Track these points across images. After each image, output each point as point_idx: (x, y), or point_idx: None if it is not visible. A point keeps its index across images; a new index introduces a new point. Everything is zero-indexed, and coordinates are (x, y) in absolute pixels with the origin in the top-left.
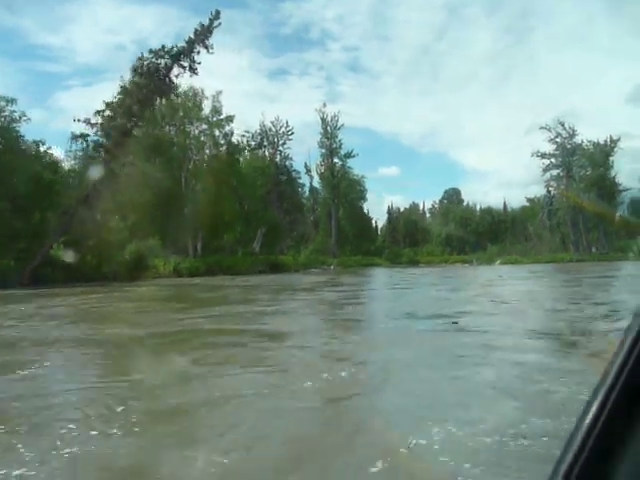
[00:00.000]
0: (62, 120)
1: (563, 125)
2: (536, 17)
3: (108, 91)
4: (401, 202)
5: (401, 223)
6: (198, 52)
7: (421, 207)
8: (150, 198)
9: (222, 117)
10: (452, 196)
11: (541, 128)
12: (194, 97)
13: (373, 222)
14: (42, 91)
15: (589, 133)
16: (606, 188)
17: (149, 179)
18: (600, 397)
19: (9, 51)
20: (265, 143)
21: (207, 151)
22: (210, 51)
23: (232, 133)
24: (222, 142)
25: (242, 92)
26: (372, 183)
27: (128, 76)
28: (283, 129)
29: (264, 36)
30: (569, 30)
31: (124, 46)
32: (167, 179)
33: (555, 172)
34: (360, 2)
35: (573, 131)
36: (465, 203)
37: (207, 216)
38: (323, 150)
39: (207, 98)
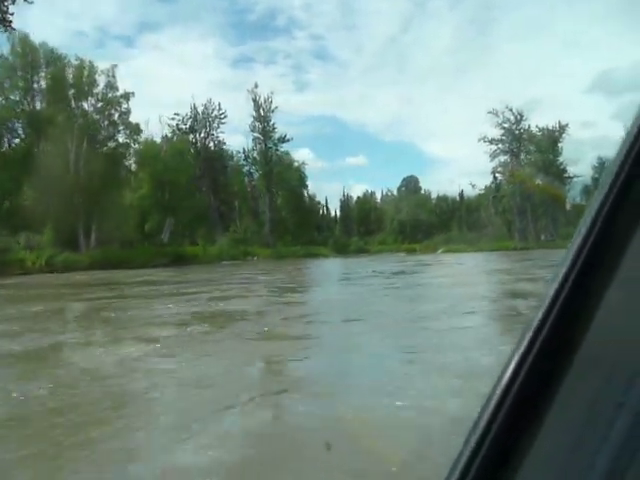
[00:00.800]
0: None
1: (511, 110)
2: (498, 9)
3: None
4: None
5: (354, 212)
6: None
7: (378, 195)
8: (37, 183)
9: (118, 94)
10: (410, 184)
11: (489, 113)
12: (85, 70)
13: (325, 211)
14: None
15: (550, 123)
16: (553, 175)
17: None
18: (495, 399)
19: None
20: (197, 127)
21: (103, 132)
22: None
23: (129, 112)
24: (118, 122)
25: (207, 81)
26: (340, 172)
27: None
28: (215, 112)
29: (229, 24)
30: (530, 21)
31: (84, 32)
32: (53, 162)
33: (503, 158)
34: None
35: (521, 116)
36: (423, 191)
37: (99, 204)
38: (255, 134)
39: (102, 74)
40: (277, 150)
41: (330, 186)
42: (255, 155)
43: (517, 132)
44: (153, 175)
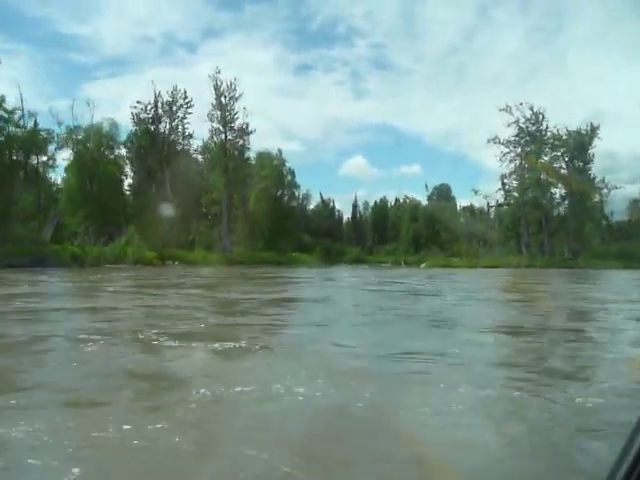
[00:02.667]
0: (87, 110)
1: (532, 109)
2: (565, 16)
3: (133, 83)
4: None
5: (368, 219)
6: None
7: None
8: None
9: None
10: (442, 192)
11: (501, 110)
12: None
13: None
14: (69, 81)
15: (616, 134)
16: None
17: None
18: None
19: (39, 40)
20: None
21: None
22: None
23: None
24: None
25: (267, 87)
26: (393, 181)
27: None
28: (181, 101)
29: (290, 31)
30: (597, 29)
31: (152, 38)
32: None
33: (517, 162)
34: None
35: (542, 115)
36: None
37: None
38: (214, 124)
39: None
40: (239, 143)
41: (382, 194)
42: (213, 147)
43: (537, 133)
44: (78, 166)
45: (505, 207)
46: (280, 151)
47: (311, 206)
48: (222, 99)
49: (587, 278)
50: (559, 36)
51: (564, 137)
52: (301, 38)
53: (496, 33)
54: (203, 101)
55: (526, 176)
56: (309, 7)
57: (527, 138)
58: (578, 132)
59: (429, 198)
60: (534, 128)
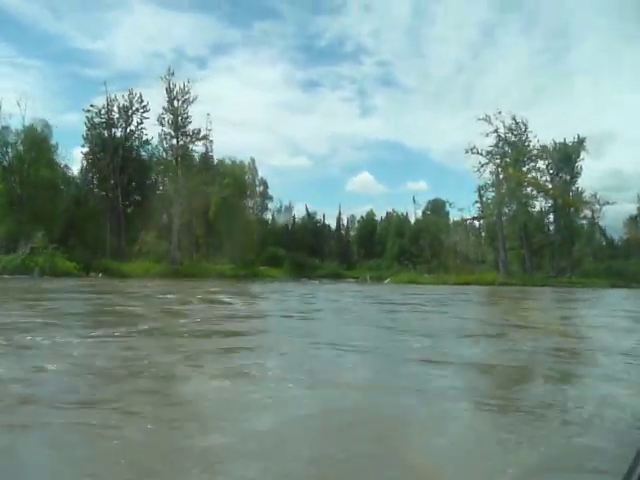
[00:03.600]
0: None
1: (514, 119)
2: (571, 38)
3: (144, 97)
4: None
5: (354, 234)
6: None
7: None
8: None
9: None
10: (436, 207)
11: (479, 120)
12: None
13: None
14: (81, 95)
15: (623, 153)
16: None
17: None
18: None
19: (51, 55)
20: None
21: None
22: None
23: None
24: None
25: (275, 103)
26: (400, 197)
27: None
28: (137, 105)
29: (298, 48)
30: (605, 49)
31: (162, 54)
32: None
33: (493, 173)
34: (397, 18)
35: (524, 125)
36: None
37: None
38: (165, 129)
39: None
40: (191, 148)
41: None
42: (163, 153)
43: (519, 144)
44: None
45: (481, 221)
46: (253, 160)
47: (295, 219)
48: (175, 102)
49: (557, 298)
50: (565, 56)
51: (550, 149)
52: (309, 55)
53: (501, 53)
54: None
55: (504, 188)
56: (317, 25)
57: (506, 148)
58: (564, 144)
59: (423, 213)
60: (516, 139)
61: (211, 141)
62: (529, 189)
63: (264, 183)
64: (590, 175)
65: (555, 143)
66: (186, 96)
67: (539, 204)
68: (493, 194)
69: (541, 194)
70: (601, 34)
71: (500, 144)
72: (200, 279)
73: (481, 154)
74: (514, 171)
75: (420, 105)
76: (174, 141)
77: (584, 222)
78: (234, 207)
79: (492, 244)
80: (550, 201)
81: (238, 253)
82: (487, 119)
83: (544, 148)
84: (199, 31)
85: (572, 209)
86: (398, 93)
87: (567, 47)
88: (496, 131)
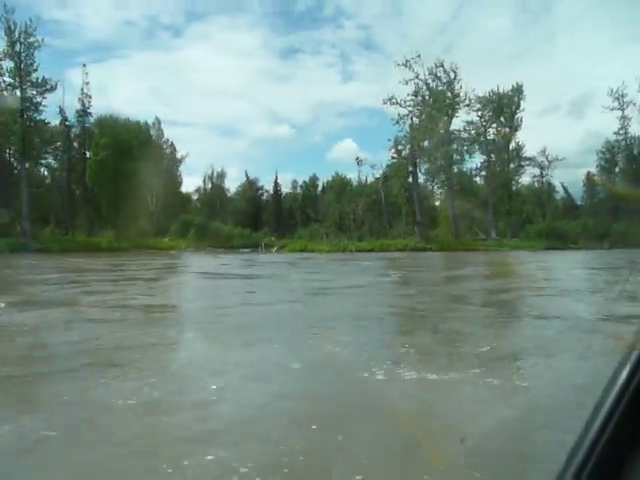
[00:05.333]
0: (73, 97)
1: (442, 65)
2: None
3: (118, 68)
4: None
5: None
6: None
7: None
8: None
9: None
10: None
11: (399, 66)
12: None
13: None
14: (53, 68)
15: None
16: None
17: None
18: (612, 397)
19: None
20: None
21: None
22: None
23: None
24: None
25: (254, 70)
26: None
27: None
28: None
29: (276, 14)
30: (587, 7)
31: (134, 22)
32: None
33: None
34: None
35: (455, 73)
36: None
37: None
38: (4, 78)
39: None
40: (40, 100)
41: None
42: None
43: (449, 92)
44: None
45: (392, 180)
46: (158, 120)
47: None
48: (17, 46)
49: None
50: (547, 15)
51: (488, 97)
52: (287, 20)
53: (484, 12)
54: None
55: (422, 141)
56: None
57: (428, 96)
58: (498, 93)
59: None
60: (444, 87)
61: (89, 96)
62: (454, 145)
63: (172, 146)
64: (572, 137)
65: (493, 92)
66: (30, 39)
67: (472, 160)
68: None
69: (472, 146)
70: None
71: (421, 92)
72: (63, 254)
73: (400, 104)
74: (429, 121)
75: (402, 69)
76: (18, 92)
77: (534, 180)
78: (118, 172)
79: (406, 204)
80: (483, 157)
81: (123, 223)
82: (407, 64)
83: (483, 99)
84: None
85: (512, 165)
86: (380, 57)
87: (548, 7)
88: (417, 77)
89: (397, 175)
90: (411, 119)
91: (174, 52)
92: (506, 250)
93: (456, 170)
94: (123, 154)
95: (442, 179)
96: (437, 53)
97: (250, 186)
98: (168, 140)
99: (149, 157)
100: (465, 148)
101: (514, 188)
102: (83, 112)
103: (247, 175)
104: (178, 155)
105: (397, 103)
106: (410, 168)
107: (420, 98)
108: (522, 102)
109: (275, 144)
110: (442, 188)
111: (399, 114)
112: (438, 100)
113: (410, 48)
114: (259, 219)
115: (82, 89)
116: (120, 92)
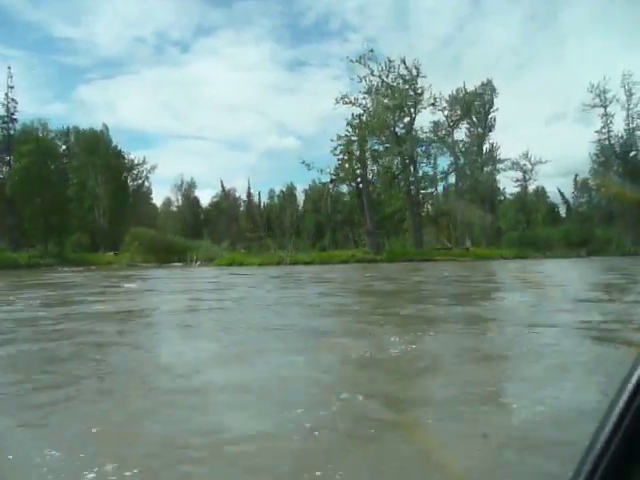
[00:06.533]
0: (83, 113)
1: (403, 61)
2: (560, 3)
3: (128, 84)
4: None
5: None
6: None
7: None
8: None
9: None
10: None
11: (353, 62)
12: None
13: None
14: (64, 84)
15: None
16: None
17: None
18: (624, 398)
19: (32, 44)
20: None
21: None
22: None
23: None
24: None
25: (262, 83)
26: None
27: None
28: None
29: (283, 27)
30: (594, 14)
31: (144, 39)
32: None
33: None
34: None
35: (417, 70)
36: None
37: None
38: None
39: None
40: None
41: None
42: None
43: (411, 91)
44: None
45: (338, 186)
46: (106, 127)
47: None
48: None
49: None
50: (554, 23)
51: (454, 96)
52: (294, 34)
53: (490, 22)
54: None
55: (370, 143)
56: (301, 3)
57: (383, 94)
58: (472, 93)
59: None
60: (406, 86)
61: (14, 100)
62: (405, 146)
63: (118, 154)
64: (580, 144)
65: (466, 92)
66: None
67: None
68: (357, 152)
69: (440, 148)
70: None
71: (374, 89)
72: None
73: (354, 103)
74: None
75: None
76: None
77: (515, 185)
78: (43, 181)
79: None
80: (451, 158)
81: (55, 237)
82: (361, 61)
83: (450, 98)
84: (180, 14)
85: (484, 168)
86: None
87: (555, 14)
88: (372, 74)
89: (343, 179)
90: (366, 118)
91: (183, 67)
92: (467, 260)
93: (420, 173)
94: (49, 162)
95: (401, 184)
96: (444, 65)
97: (226, 197)
98: (117, 147)
99: (95, 166)
100: (424, 149)
101: (489, 193)
102: (8, 118)
103: (222, 184)
104: (147, 166)
105: (350, 102)
106: (359, 171)
107: (374, 96)
108: (495, 100)
109: (283, 156)
110: (400, 193)
111: (352, 114)
112: (391, 96)
113: (415, 62)
114: (231, 231)
115: (7, 94)
116: (131, 107)
